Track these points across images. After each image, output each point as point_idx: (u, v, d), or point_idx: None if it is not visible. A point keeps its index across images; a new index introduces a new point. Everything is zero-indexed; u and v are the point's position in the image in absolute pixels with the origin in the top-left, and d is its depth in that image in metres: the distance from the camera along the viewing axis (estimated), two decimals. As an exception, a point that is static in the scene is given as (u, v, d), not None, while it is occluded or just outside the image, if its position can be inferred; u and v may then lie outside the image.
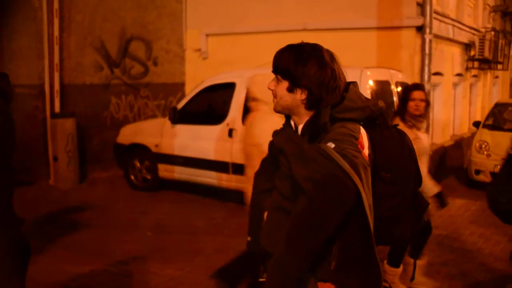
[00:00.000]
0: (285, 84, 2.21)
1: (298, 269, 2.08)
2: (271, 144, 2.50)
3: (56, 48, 9.23)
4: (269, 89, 2.29)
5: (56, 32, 9.21)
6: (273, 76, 2.28)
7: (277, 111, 2.32)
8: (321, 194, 1.99)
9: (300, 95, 2.19)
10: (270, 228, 2.38)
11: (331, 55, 2.21)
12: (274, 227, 2.32)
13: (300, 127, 2.25)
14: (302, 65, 2.15)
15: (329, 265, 2.09)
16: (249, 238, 2.76)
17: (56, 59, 9.24)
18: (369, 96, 6.85)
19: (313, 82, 2.15)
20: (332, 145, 2.06)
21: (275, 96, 2.27)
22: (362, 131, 2.22)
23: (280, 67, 2.21)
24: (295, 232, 2.06)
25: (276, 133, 2.42)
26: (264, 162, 2.67)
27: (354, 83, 2.28)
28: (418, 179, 2.59)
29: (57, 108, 9.24)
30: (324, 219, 2.01)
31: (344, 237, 2.07)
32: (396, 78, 7.93)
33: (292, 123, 2.32)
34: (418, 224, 2.54)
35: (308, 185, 2.02)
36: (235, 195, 7.10)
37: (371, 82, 7.09)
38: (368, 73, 7.12)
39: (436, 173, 10.08)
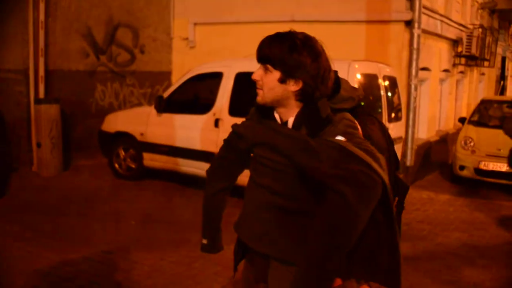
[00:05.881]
0: (276, 74, 2.08)
1: (335, 271, 1.97)
2: (234, 139, 2.36)
3: (42, 33, 9.10)
4: (254, 79, 2.14)
5: (41, 17, 9.07)
6: None
7: (262, 103, 2.17)
8: (355, 192, 1.89)
9: (293, 86, 2.08)
10: (264, 228, 2.22)
11: (321, 45, 2.13)
12: (271, 227, 2.19)
13: (290, 120, 2.14)
14: (298, 54, 2.03)
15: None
16: (205, 241, 2.61)
17: (41, 44, 9.11)
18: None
19: (309, 72, 2.05)
20: (343, 139, 1.99)
21: (261, 87, 2.13)
22: None
23: (272, 56, 2.06)
24: (331, 234, 1.93)
25: (245, 126, 2.27)
26: (219, 158, 2.51)
27: (336, 72, 2.20)
28: (396, 162, 2.58)
29: (41, 94, 9.12)
30: (360, 217, 1.92)
31: (367, 229, 2.01)
32: (384, 72, 7.92)
33: (277, 116, 2.19)
34: (401, 208, 2.54)
35: (337, 184, 1.90)
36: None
37: (359, 75, 7.07)
38: (356, 66, 7.10)
39: (421, 168, 10.15)
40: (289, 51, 2.04)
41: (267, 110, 2.21)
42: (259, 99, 2.16)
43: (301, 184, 2.06)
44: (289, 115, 2.15)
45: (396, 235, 2.05)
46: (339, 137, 2.00)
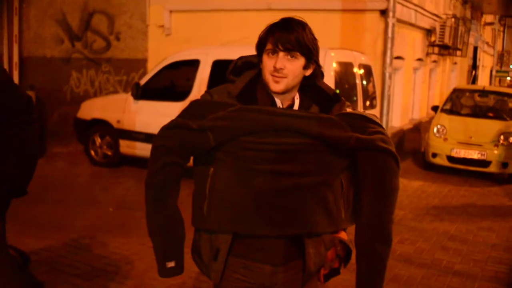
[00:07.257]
0: (302, 61, 2.06)
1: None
2: (194, 137, 2.06)
3: (16, 19, 9.01)
4: (279, 68, 2.02)
5: (15, 3, 8.98)
6: None
7: (281, 92, 2.08)
8: (395, 150, 2.07)
9: (308, 71, 2.11)
10: (287, 211, 2.06)
11: None
12: (295, 207, 2.07)
13: (297, 103, 2.14)
14: (315, 38, 2.10)
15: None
16: (172, 264, 2.21)
17: (16, 31, 9.03)
18: (332, 78, 6.93)
19: (318, 56, 2.13)
20: (353, 111, 2.15)
21: (285, 76, 2.04)
22: None
23: (301, 43, 2.03)
24: (394, 192, 2.13)
25: (226, 117, 2.02)
26: (167, 166, 2.15)
27: None
28: None
29: (15, 81, 9.02)
30: None
31: None
32: (359, 60, 8.02)
33: (278, 101, 2.12)
34: None
35: (383, 145, 2.02)
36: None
37: (334, 64, 7.16)
38: (332, 54, 7.19)
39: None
40: (311, 36, 2.08)
41: (255, 97, 2.13)
42: (281, 87, 2.06)
43: (323, 157, 2.06)
44: (289, 99, 2.14)
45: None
46: (349, 109, 2.14)
